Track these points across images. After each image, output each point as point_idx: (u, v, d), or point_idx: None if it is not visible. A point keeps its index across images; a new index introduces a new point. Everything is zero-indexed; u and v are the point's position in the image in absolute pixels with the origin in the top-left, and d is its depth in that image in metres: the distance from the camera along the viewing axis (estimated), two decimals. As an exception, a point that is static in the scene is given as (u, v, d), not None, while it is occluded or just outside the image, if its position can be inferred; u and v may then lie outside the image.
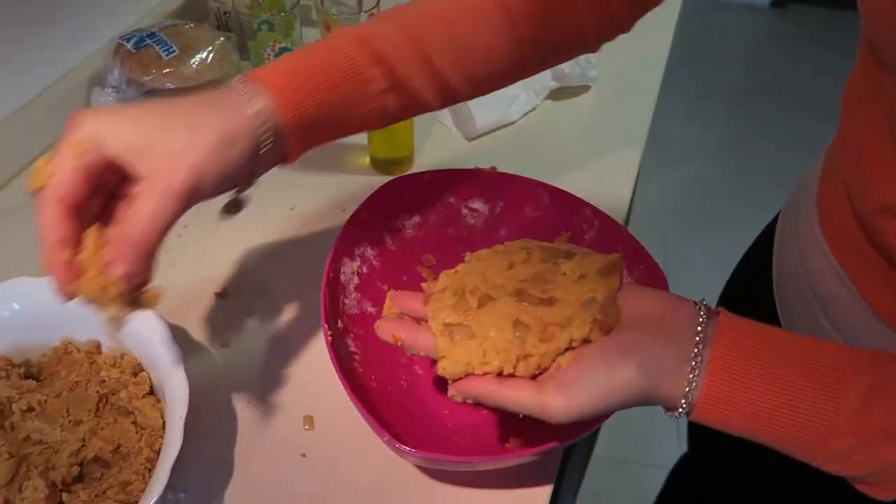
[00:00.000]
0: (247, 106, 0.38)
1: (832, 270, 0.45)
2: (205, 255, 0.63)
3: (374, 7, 0.76)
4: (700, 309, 0.36)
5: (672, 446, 1.39)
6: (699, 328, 0.34)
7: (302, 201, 0.68)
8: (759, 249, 0.62)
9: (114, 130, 0.35)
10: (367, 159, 0.71)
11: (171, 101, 0.37)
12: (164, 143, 0.35)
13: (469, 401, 0.38)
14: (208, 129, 0.36)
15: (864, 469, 0.33)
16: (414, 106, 0.46)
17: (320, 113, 0.40)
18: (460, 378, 0.38)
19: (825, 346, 0.34)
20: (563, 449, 0.52)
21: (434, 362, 0.39)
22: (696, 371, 0.33)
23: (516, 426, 0.50)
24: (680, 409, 0.34)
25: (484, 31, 0.44)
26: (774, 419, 0.33)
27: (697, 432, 0.74)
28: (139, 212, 0.34)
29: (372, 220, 0.55)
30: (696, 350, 0.34)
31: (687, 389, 0.34)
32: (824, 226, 0.47)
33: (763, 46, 2.60)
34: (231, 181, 0.39)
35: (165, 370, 0.45)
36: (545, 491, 0.49)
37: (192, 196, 0.36)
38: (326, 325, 0.47)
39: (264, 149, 0.39)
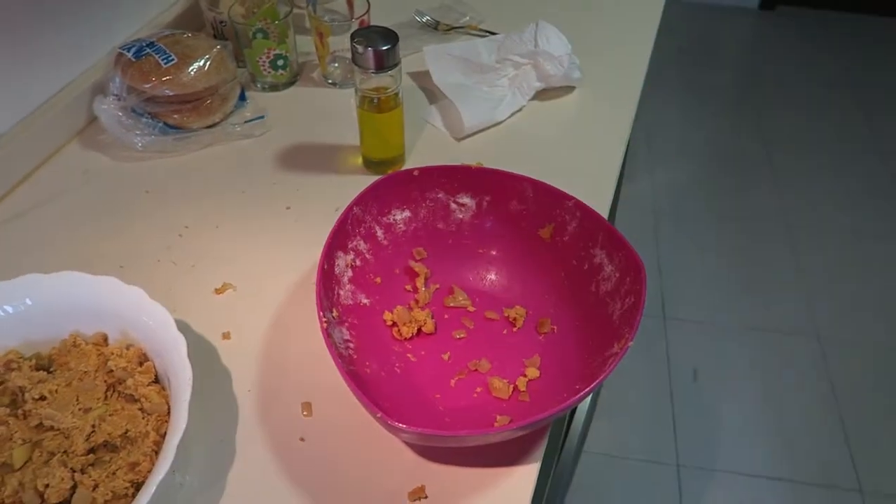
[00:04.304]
0: None
1: None
2: (205, 253, 0.65)
3: (364, 13, 0.79)
4: None
5: (667, 440, 1.41)
6: None
7: (297, 201, 0.70)
8: None
9: None
10: (360, 160, 0.74)
11: None
12: None
13: None
14: None
15: None
16: None
17: None
18: None
19: None
20: (550, 433, 0.54)
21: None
22: None
23: (503, 407, 0.53)
24: None
25: None
26: None
27: None
28: None
29: (364, 216, 0.58)
30: None
31: None
32: None
33: (752, 48, 2.64)
34: None
35: (170, 357, 0.47)
36: (532, 469, 0.51)
37: None
38: (321, 313, 0.49)
39: None
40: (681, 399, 1.49)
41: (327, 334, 0.48)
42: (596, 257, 0.57)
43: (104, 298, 0.51)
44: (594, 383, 0.47)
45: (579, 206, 0.58)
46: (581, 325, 0.57)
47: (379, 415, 0.43)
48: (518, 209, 0.60)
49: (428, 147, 0.77)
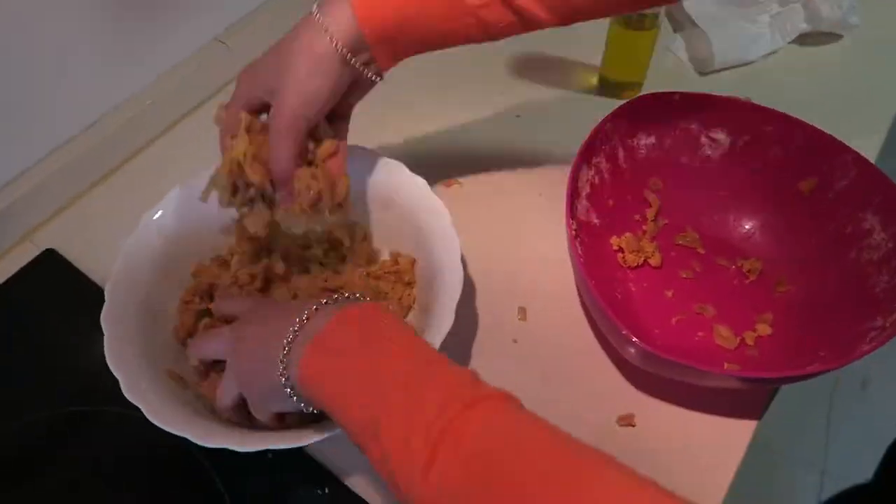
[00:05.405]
0: (322, 31, 0.40)
1: None
2: (437, 148, 0.66)
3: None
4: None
5: (817, 444, 1.31)
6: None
7: (527, 111, 0.69)
8: None
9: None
10: (595, 80, 0.71)
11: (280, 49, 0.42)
12: (278, 88, 0.42)
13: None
14: (294, 67, 0.41)
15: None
16: (521, 23, 0.43)
17: (405, 25, 0.41)
18: None
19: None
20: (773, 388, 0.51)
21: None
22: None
23: (728, 356, 0.50)
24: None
25: None
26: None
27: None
28: (271, 149, 0.43)
29: (612, 133, 0.56)
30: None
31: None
32: None
33: None
34: (331, 99, 0.43)
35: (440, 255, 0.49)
36: (748, 427, 0.48)
37: (299, 129, 0.42)
38: (571, 221, 0.48)
39: (354, 63, 0.42)
40: (841, 404, 1.36)
41: (574, 240, 0.47)
42: (866, 222, 0.51)
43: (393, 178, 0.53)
44: (855, 355, 0.43)
45: (859, 161, 0.51)
46: (830, 293, 0.51)
47: (625, 331, 0.42)
48: (779, 155, 0.55)
49: (665, 78, 0.72)
